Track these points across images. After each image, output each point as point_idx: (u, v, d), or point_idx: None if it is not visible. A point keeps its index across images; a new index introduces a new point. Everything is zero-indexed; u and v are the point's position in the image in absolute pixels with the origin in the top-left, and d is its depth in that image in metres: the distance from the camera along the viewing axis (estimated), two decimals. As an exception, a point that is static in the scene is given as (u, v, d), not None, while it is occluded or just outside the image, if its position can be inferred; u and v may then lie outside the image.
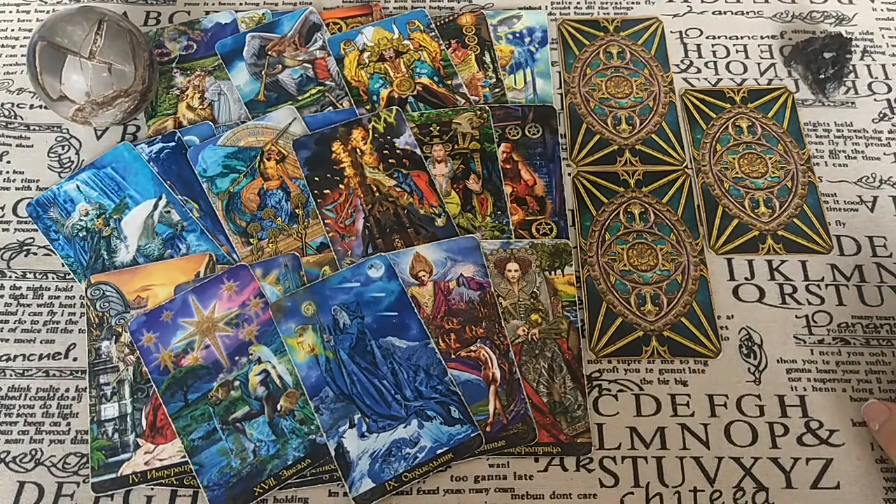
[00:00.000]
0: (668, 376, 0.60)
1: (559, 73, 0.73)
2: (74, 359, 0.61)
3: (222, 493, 0.55)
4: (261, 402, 0.58)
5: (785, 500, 0.55)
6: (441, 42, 0.73)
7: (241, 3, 0.77)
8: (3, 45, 0.75)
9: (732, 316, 0.62)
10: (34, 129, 0.70)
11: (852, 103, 0.72)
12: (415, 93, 0.70)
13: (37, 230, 0.65)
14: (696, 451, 0.57)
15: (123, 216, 0.65)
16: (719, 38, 0.76)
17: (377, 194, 0.65)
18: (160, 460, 0.56)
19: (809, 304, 0.63)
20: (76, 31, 0.62)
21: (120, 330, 0.60)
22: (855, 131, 0.70)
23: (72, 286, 0.63)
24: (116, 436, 0.57)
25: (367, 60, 0.72)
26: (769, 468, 0.56)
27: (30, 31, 0.75)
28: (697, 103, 0.71)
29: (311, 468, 0.56)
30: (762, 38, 0.75)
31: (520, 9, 0.75)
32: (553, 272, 0.63)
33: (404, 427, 0.57)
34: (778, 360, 0.60)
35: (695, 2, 0.77)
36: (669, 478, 0.56)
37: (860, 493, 0.56)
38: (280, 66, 0.72)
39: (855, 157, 0.69)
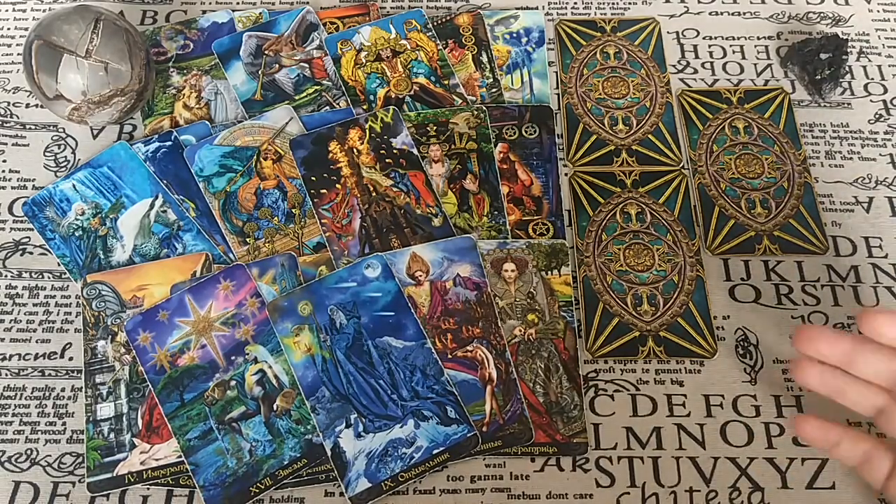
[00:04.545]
0: (664, 376, 0.60)
1: (556, 73, 0.73)
2: (70, 358, 0.60)
3: (218, 493, 0.55)
4: (257, 401, 0.58)
5: (780, 500, 0.55)
6: (438, 42, 0.73)
7: (237, 3, 0.77)
8: (-1, 44, 0.75)
9: (728, 316, 0.62)
10: (30, 128, 0.70)
11: (848, 104, 0.72)
12: (412, 92, 0.70)
13: (32, 229, 0.65)
14: (692, 452, 0.57)
15: (119, 215, 0.65)
16: (716, 38, 0.76)
17: (374, 194, 0.65)
18: (156, 460, 0.56)
19: (805, 304, 0.63)
20: (72, 30, 0.62)
21: (116, 329, 0.60)
22: (851, 132, 0.70)
23: (68, 285, 0.63)
24: (112, 435, 0.57)
25: (363, 60, 0.72)
26: (765, 468, 0.56)
27: (26, 29, 0.75)
28: (694, 104, 0.71)
29: (308, 468, 0.56)
30: (759, 38, 0.76)
31: (517, 9, 0.75)
32: (550, 272, 0.63)
33: (401, 427, 0.57)
34: (774, 361, 0.60)
35: (692, 2, 0.78)
36: (665, 478, 0.56)
37: (855, 493, 0.56)
38: (277, 65, 0.72)
39: (851, 158, 0.69)
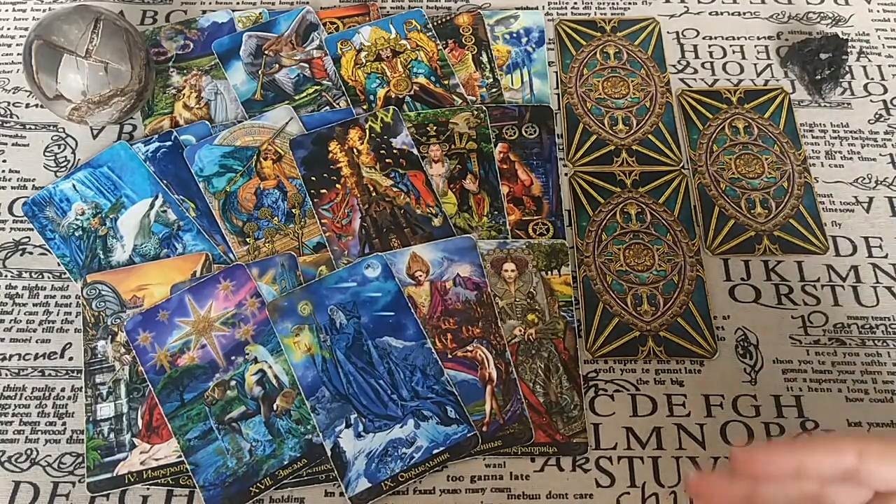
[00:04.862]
0: (664, 376, 0.60)
1: (556, 73, 0.73)
2: (70, 358, 0.60)
3: (218, 493, 0.55)
4: (257, 401, 0.58)
5: (780, 500, 0.55)
6: (438, 42, 0.73)
7: (237, 3, 0.77)
8: (-2, 44, 0.75)
9: (728, 316, 0.62)
10: (30, 128, 0.70)
11: (848, 104, 0.72)
12: (412, 92, 0.70)
13: (32, 229, 0.65)
14: (691, 451, 0.57)
15: (119, 215, 0.65)
16: (716, 38, 0.76)
17: (374, 194, 0.65)
18: (156, 460, 0.56)
19: (805, 304, 0.63)
20: (72, 30, 0.62)
21: (116, 329, 0.60)
22: (851, 132, 0.70)
23: (68, 285, 0.63)
24: (112, 435, 0.57)
25: (363, 60, 0.72)
26: (765, 468, 0.56)
27: (26, 29, 0.75)
28: (694, 104, 0.71)
29: (308, 468, 0.56)
30: (759, 38, 0.76)
31: (517, 9, 0.75)
32: (550, 272, 0.63)
33: (400, 427, 0.57)
34: (774, 361, 0.60)
35: (692, 2, 0.78)
36: (665, 478, 0.56)
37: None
38: (277, 65, 0.72)
39: (851, 158, 0.69)
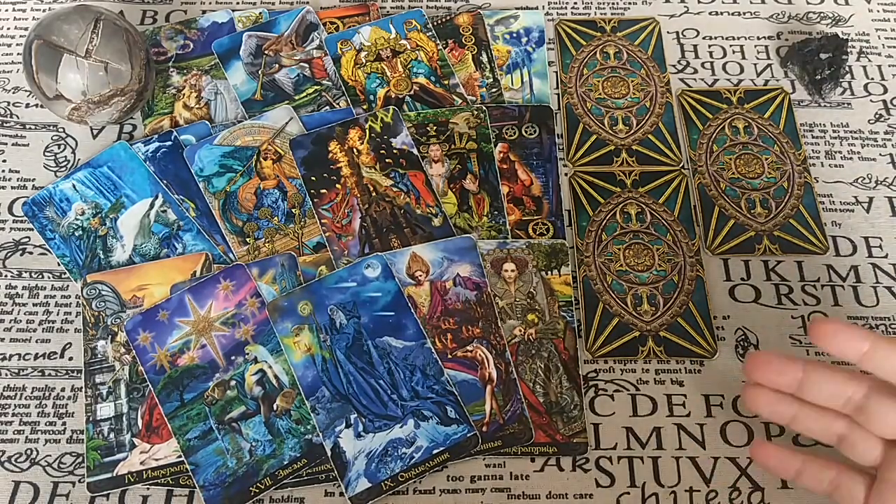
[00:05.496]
0: (664, 376, 0.60)
1: (556, 73, 0.73)
2: (70, 358, 0.60)
3: (218, 493, 0.55)
4: (257, 401, 0.58)
5: (780, 499, 0.55)
6: (438, 42, 0.73)
7: (237, 3, 0.77)
8: (-2, 44, 0.75)
9: (728, 316, 0.62)
10: (30, 128, 0.70)
11: (848, 104, 0.72)
12: (412, 92, 0.70)
13: (32, 229, 0.65)
14: (691, 451, 0.57)
15: (119, 215, 0.65)
16: (716, 38, 0.76)
17: (374, 194, 0.65)
18: (156, 460, 0.56)
19: (805, 304, 0.63)
20: (72, 30, 0.62)
21: (116, 329, 0.60)
22: (851, 132, 0.70)
23: (67, 285, 0.63)
24: (112, 435, 0.57)
25: (363, 60, 0.72)
26: (765, 468, 0.56)
27: (26, 29, 0.75)
28: (694, 104, 0.71)
29: (308, 468, 0.56)
30: (759, 38, 0.76)
31: (517, 9, 0.75)
32: (550, 272, 0.63)
33: (400, 427, 0.57)
34: (774, 361, 0.60)
35: (692, 2, 0.78)
36: (665, 478, 0.56)
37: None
38: (277, 65, 0.72)
39: (851, 158, 0.69)
